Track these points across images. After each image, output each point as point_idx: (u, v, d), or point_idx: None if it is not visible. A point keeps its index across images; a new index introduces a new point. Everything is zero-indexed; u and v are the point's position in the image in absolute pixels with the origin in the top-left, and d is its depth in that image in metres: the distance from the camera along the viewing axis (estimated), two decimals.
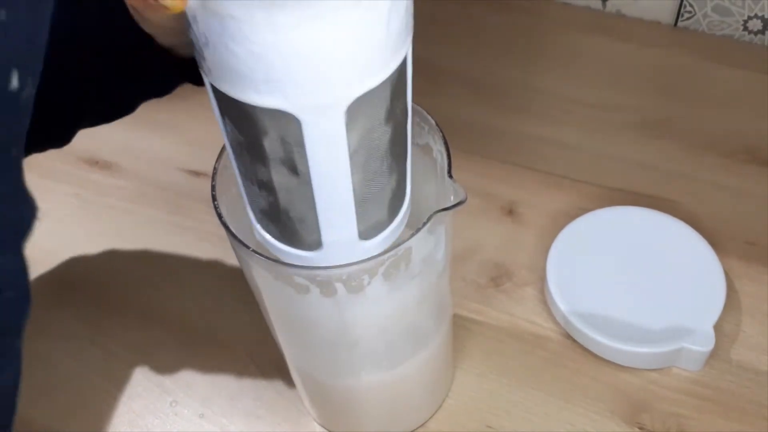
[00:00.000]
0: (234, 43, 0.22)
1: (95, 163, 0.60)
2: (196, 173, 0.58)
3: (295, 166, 0.25)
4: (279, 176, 0.26)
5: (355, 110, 0.24)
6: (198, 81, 0.34)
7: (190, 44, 0.24)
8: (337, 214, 0.27)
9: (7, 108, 0.16)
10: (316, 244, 0.29)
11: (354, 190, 0.27)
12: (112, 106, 0.38)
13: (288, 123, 0.24)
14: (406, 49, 0.25)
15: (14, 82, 0.16)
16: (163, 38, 0.32)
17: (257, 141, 0.25)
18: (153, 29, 0.32)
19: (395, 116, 0.26)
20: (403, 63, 0.25)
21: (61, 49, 0.31)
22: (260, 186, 0.27)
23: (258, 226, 0.30)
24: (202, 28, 0.23)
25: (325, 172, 0.26)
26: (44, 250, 0.54)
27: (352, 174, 0.26)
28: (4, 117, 0.16)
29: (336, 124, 0.24)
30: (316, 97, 0.23)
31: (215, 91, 0.25)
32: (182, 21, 0.23)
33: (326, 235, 0.28)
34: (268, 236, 0.30)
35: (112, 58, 0.34)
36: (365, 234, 0.29)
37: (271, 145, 0.25)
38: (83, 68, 0.34)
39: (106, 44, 0.33)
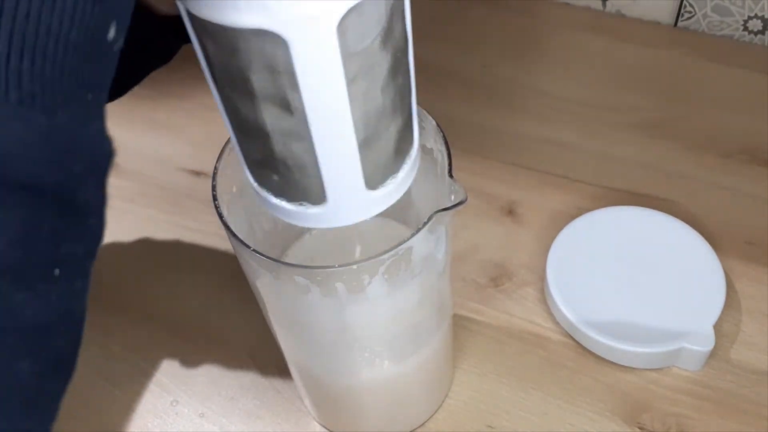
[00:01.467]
0: None
1: None
2: (197, 173, 0.58)
3: (288, 102, 0.23)
4: (271, 117, 0.24)
5: (348, 26, 0.21)
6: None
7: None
8: (339, 157, 0.25)
9: (105, 56, 0.18)
10: (320, 197, 0.26)
11: (356, 127, 0.24)
12: (118, 79, 0.38)
13: (274, 46, 0.21)
14: None
15: (112, 33, 0.18)
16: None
17: (243, 76, 0.23)
18: None
19: (395, 39, 0.24)
20: None
21: None
22: (253, 133, 0.25)
23: (256, 185, 0.28)
24: None
25: (322, 104, 0.23)
26: None
27: (352, 107, 0.24)
28: (102, 63, 0.18)
29: (328, 43, 0.21)
30: (302, 9, 0.20)
31: (192, 19, 0.22)
32: None
33: (330, 184, 0.26)
34: (267, 195, 0.28)
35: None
36: (372, 181, 0.27)
37: (258, 78, 0.23)
38: None
39: None
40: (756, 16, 0.61)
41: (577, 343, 0.46)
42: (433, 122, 0.33)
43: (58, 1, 0.16)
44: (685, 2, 0.63)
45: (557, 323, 0.47)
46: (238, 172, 0.29)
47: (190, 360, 0.48)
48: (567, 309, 0.46)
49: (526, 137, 0.58)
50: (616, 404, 0.44)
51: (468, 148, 0.57)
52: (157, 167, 0.59)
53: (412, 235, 0.29)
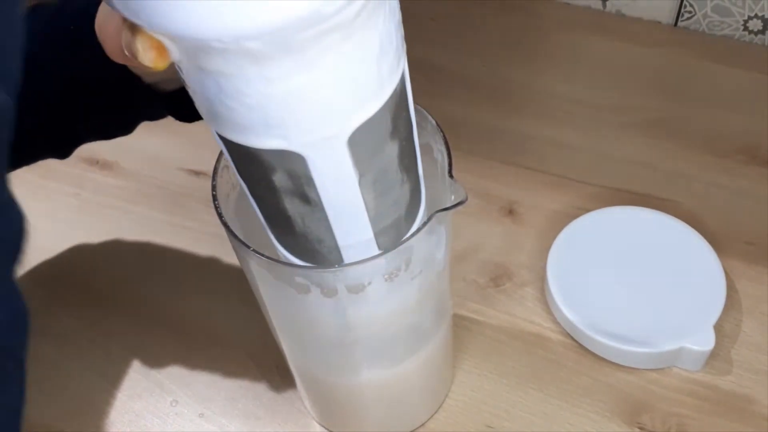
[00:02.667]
0: (228, 98, 0.22)
1: (95, 163, 0.60)
2: (197, 173, 0.58)
3: (307, 197, 0.26)
4: (292, 206, 0.27)
5: (357, 138, 0.24)
6: (182, 116, 0.37)
7: (174, 81, 0.24)
8: (354, 233, 0.28)
9: None
10: (337, 261, 0.29)
11: (368, 209, 0.27)
12: (109, 129, 0.41)
13: (293, 160, 0.24)
14: (401, 69, 0.25)
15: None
16: (148, 78, 0.36)
17: (266, 177, 0.25)
18: (139, 72, 0.35)
19: (399, 132, 0.26)
20: (401, 82, 0.25)
21: (60, 81, 0.36)
22: (276, 215, 0.28)
23: (279, 247, 0.31)
24: (192, 83, 0.23)
25: (337, 199, 0.26)
26: (44, 250, 0.54)
27: (364, 195, 0.26)
28: None
29: (340, 155, 0.24)
30: (316, 134, 0.23)
31: (220, 137, 0.25)
32: (171, 70, 0.23)
33: (346, 254, 0.29)
34: (289, 255, 0.30)
35: (106, 91, 0.37)
36: (385, 244, 0.29)
37: (280, 180, 0.25)
38: (81, 98, 0.38)
39: (100, 79, 0.36)
40: (756, 16, 0.61)
41: (577, 343, 0.46)
42: (433, 122, 0.33)
43: None
44: (685, 2, 0.63)
45: (557, 323, 0.47)
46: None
47: (189, 360, 0.48)
48: (567, 309, 0.46)
49: (527, 137, 0.58)
50: (616, 404, 0.44)
51: (468, 148, 0.57)
52: (157, 167, 0.59)
53: (412, 235, 0.29)
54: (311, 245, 0.29)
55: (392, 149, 0.26)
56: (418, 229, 0.30)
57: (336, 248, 0.28)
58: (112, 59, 0.30)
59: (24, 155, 0.41)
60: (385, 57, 0.23)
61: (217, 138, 0.25)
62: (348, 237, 0.28)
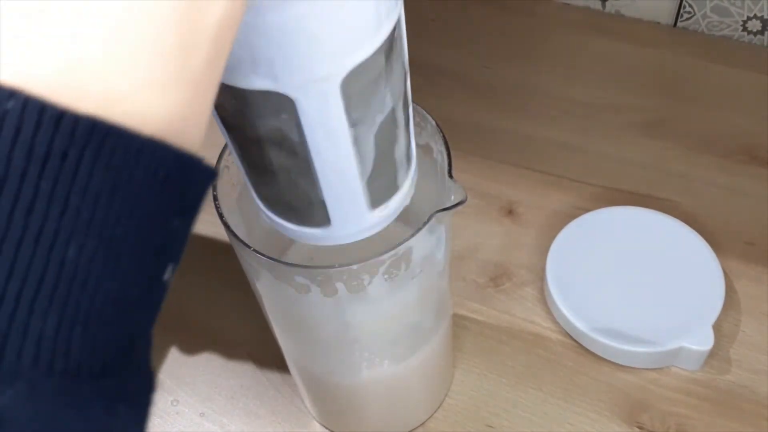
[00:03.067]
0: None
1: None
2: None
3: (294, 148, 0.24)
4: (278, 159, 0.25)
5: (351, 83, 0.22)
6: None
7: None
8: (342, 190, 0.26)
9: (159, 295, 0.18)
10: (323, 221, 0.28)
11: (358, 165, 0.25)
12: None
13: (281, 104, 0.22)
14: (399, 10, 0.23)
15: (167, 274, 0.18)
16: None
17: (252, 126, 0.24)
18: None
19: (393, 84, 0.25)
20: (397, 27, 0.24)
21: None
22: (261, 170, 0.26)
23: (263, 207, 0.29)
24: None
25: (326, 149, 0.24)
26: None
27: (355, 149, 0.25)
28: (155, 303, 0.18)
29: (332, 100, 0.23)
30: (307, 74, 0.21)
31: None
32: None
33: (334, 212, 0.27)
34: (274, 216, 0.29)
35: None
36: (375, 203, 0.28)
37: (266, 128, 0.24)
38: None
39: None
40: (755, 17, 0.61)
41: (577, 342, 0.46)
42: (433, 122, 0.33)
43: (121, 263, 0.15)
44: (684, 2, 0.63)
45: (557, 323, 0.47)
46: (238, 174, 0.29)
47: (190, 360, 0.48)
48: (566, 309, 0.46)
49: (526, 137, 0.58)
50: (616, 404, 0.44)
51: (468, 148, 0.57)
52: None
53: (412, 235, 0.29)
54: (297, 204, 0.27)
55: (386, 100, 0.25)
56: (418, 229, 0.30)
57: (323, 207, 0.27)
58: None
59: None
60: None
61: None
62: (336, 195, 0.26)
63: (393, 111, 0.26)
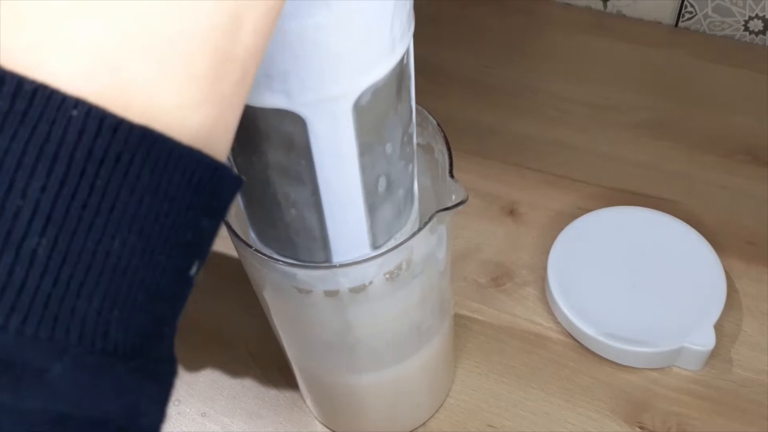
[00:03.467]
0: None
1: None
2: None
3: (300, 174, 0.24)
4: (283, 186, 0.25)
5: (364, 103, 0.23)
6: None
7: None
8: (347, 223, 0.26)
9: (186, 288, 0.20)
10: (323, 258, 0.28)
11: (365, 194, 0.25)
12: None
13: (292, 124, 0.22)
14: (410, 36, 0.24)
15: (194, 270, 0.20)
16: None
17: (258, 147, 0.24)
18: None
19: (402, 108, 0.25)
20: (407, 54, 0.24)
21: None
22: (263, 199, 0.26)
23: (259, 244, 0.29)
24: None
25: (333, 176, 0.24)
26: None
27: (362, 176, 0.25)
28: (182, 295, 0.20)
29: (344, 121, 0.23)
30: (321, 91, 0.21)
31: None
32: None
33: (336, 248, 0.27)
34: (271, 253, 0.29)
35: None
36: (377, 241, 0.28)
37: (273, 150, 0.24)
38: None
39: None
40: (757, 17, 0.61)
41: (578, 342, 0.46)
42: (434, 122, 0.33)
43: (155, 255, 0.17)
44: (686, 2, 0.63)
45: (558, 323, 0.47)
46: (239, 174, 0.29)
47: (192, 360, 0.48)
48: (568, 309, 0.45)
49: (527, 137, 0.58)
50: (617, 404, 0.44)
51: (469, 148, 0.57)
52: None
53: (413, 234, 0.29)
54: (299, 238, 0.27)
55: (395, 130, 0.25)
56: (419, 229, 0.29)
57: (325, 241, 0.27)
58: None
59: None
60: (398, 16, 0.22)
61: None
62: (340, 227, 0.26)
63: (401, 144, 0.26)
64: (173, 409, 0.46)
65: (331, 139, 0.23)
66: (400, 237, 0.29)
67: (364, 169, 0.25)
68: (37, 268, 0.16)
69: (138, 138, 0.16)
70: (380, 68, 0.22)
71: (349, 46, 0.21)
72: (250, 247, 0.30)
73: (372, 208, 0.26)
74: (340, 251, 0.27)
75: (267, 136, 0.23)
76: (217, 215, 0.19)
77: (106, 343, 0.17)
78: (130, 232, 0.17)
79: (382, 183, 0.26)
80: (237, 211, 0.33)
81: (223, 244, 0.55)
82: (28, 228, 0.15)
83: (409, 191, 0.29)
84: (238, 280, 0.41)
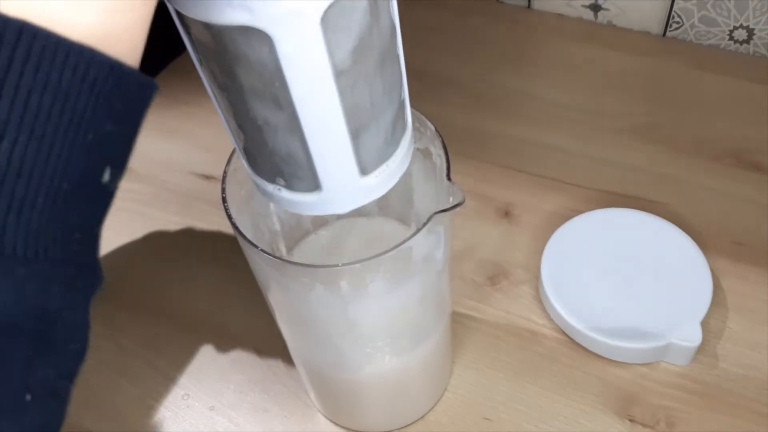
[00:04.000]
0: None
1: None
2: (207, 177, 0.59)
3: (277, 97, 0.22)
4: (262, 111, 0.23)
5: (333, 19, 0.21)
6: None
7: None
8: (330, 148, 0.24)
9: (99, 197, 0.19)
10: (314, 185, 0.26)
11: (346, 118, 0.24)
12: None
13: (259, 42, 0.21)
14: None
15: (106, 177, 0.18)
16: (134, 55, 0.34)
17: (232, 73, 0.22)
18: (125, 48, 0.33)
19: (381, 32, 0.23)
20: None
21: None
22: (246, 127, 0.25)
23: (253, 174, 0.27)
24: None
25: (310, 98, 0.22)
26: None
27: (341, 100, 0.23)
28: (95, 203, 0.19)
29: (313, 37, 0.21)
30: (284, 4, 0.20)
31: (181, 18, 0.22)
32: None
33: (323, 175, 0.25)
34: (263, 183, 0.27)
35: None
36: (366, 168, 0.26)
37: (246, 75, 0.22)
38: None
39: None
40: (741, 26, 0.61)
41: (571, 339, 0.46)
42: (432, 127, 0.33)
43: (51, 157, 0.16)
44: (673, 13, 0.63)
45: (551, 320, 0.47)
46: (246, 176, 0.29)
47: (200, 355, 0.48)
48: (561, 306, 0.46)
49: (522, 142, 0.58)
50: (608, 398, 0.44)
51: (466, 152, 0.57)
52: (170, 172, 0.59)
53: (413, 235, 0.29)
54: (285, 166, 0.25)
55: (374, 47, 0.23)
56: (418, 230, 0.30)
57: (311, 168, 0.25)
58: None
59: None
60: None
61: (181, 29, 0.22)
62: (324, 152, 0.24)
63: (381, 65, 0.24)
64: (182, 403, 0.46)
65: (302, 59, 0.21)
66: (391, 164, 0.27)
67: (343, 91, 0.23)
68: None
69: (15, 32, 0.15)
70: None
71: None
72: (256, 246, 0.30)
73: (355, 133, 0.24)
74: (327, 178, 0.25)
75: (237, 58, 0.21)
76: (124, 120, 0.18)
77: (2, 247, 0.16)
78: (19, 132, 0.15)
79: (365, 106, 0.24)
80: (241, 209, 0.33)
81: (229, 243, 0.55)
82: None
83: (399, 117, 0.26)
84: (244, 278, 0.41)
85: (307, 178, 0.25)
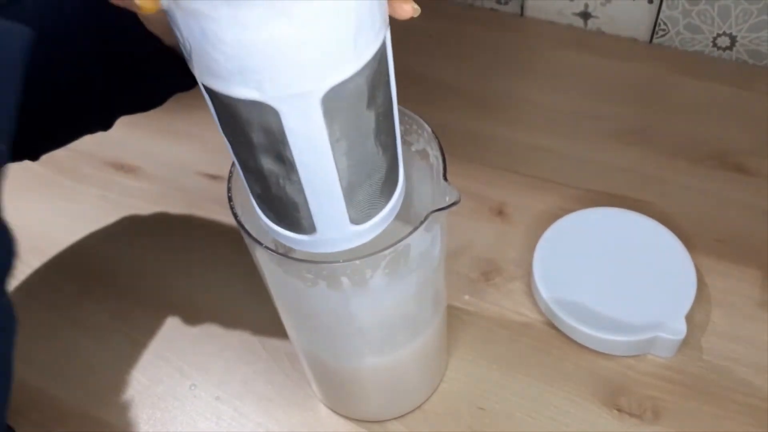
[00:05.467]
0: (206, 40, 0.21)
1: (121, 167, 0.60)
2: (213, 176, 0.58)
3: (281, 155, 0.25)
4: (268, 164, 0.25)
5: (332, 99, 0.23)
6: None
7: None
8: (325, 200, 0.26)
9: None
10: (310, 229, 0.28)
11: (340, 177, 0.26)
12: (143, 100, 0.41)
13: (268, 114, 0.23)
14: (381, 40, 0.24)
15: None
16: (168, 39, 0.35)
17: (244, 131, 0.24)
18: (156, 30, 0.34)
19: (377, 105, 0.25)
20: (381, 52, 0.24)
21: (91, 57, 0.36)
22: (253, 173, 0.27)
23: (258, 211, 0.29)
24: (179, 26, 0.22)
25: (309, 160, 0.25)
26: (74, 247, 0.54)
27: (337, 162, 0.25)
28: None
29: (313, 114, 0.23)
30: (289, 88, 0.22)
31: (202, 84, 0.24)
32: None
33: (318, 221, 0.27)
34: (267, 220, 0.29)
35: (138, 64, 0.36)
36: (357, 219, 0.28)
37: (256, 135, 0.24)
38: (116, 71, 0.37)
39: (133, 53, 0.36)
40: (724, 33, 0.61)
41: (561, 332, 0.46)
42: (429, 130, 0.33)
43: None
44: (660, 20, 0.63)
45: (543, 314, 0.47)
46: None
47: (207, 348, 0.48)
48: (552, 301, 0.46)
49: (515, 144, 0.58)
50: (596, 388, 0.44)
51: (461, 153, 0.57)
52: (177, 172, 0.59)
53: (410, 233, 0.29)
54: (285, 209, 0.27)
55: (368, 120, 0.25)
56: (416, 228, 0.30)
57: (308, 214, 0.27)
58: (113, 3, 0.30)
59: (73, 130, 0.41)
60: (362, 17, 0.22)
61: (203, 90, 0.24)
62: (319, 202, 0.27)
63: (376, 133, 0.26)
64: (189, 393, 0.46)
65: (304, 129, 0.23)
66: (380, 216, 0.29)
67: (338, 156, 0.25)
68: None
69: None
70: (345, 70, 0.23)
71: (312, 52, 0.21)
72: (261, 244, 0.30)
73: (348, 189, 0.26)
74: (322, 224, 0.28)
75: (248, 122, 0.24)
76: None
77: None
78: None
79: (357, 168, 0.26)
80: (246, 207, 0.33)
81: (235, 240, 0.55)
82: None
83: (389, 177, 0.28)
84: (249, 274, 0.41)
85: (304, 222, 0.28)
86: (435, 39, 0.68)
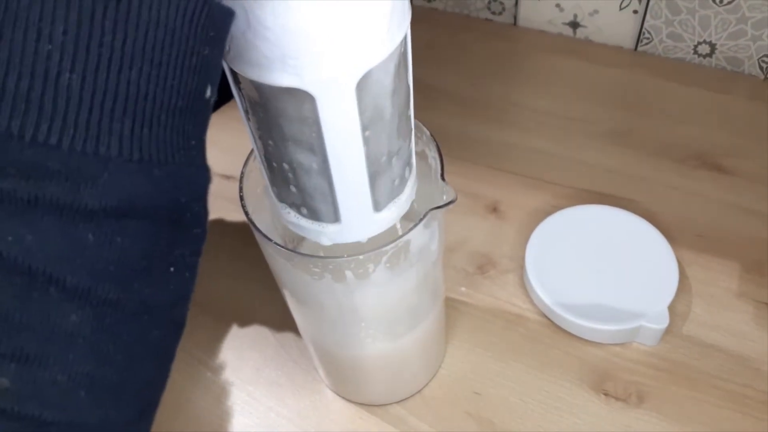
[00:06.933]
0: (253, 34, 0.21)
1: None
2: (226, 176, 0.58)
3: (312, 144, 0.24)
4: (297, 155, 0.25)
5: (364, 86, 0.23)
6: None
7: None
8: (352, 189, 0.26)
9: (203, 110, 0.20)
10: (334, 218, 0.27)
11: (367, 163, 0.25)
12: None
13: (303, 101, 0.22)
14: (406, 25, 0.23)
15: (208, 93, 0.20)
16: None
17: (275, 121, 0.24)
18: None
19: (399, 94, 0.25)
20: (404, 40, 0.24)
21: None
22: (281, 166, 0.26)
23: (279, 205, 0.29)
24: None
25: (340, 147, 0.24)
26: None
27: (365, 148, 0.25)
28: (201, 116, 0.21)
29: (347, 100, 0.22)
30: (327, 72, 0.21)
31: (233, 74, 0.23)
32: None
33: (344, 209, 0.27)
34: (290, 214, 0.29)
35: None
36: (379, 205, 0.28)
37: (288, 124, 0.23)
38: None
39: None
40: (704, 42, 0.61)
41: (552, 322, 0.46)
42: (428, 132, 0.33)
43: (168, 81, 0.18)
44: (644, 29, 0.63)
45: (534, 305, 0.47)
46: (260, 176, 0.29)
47: (222, 336, 0.48)
48: (543, 292, 0.46)
49: (509, 145, 0.58)
50: (585, 374, 0.44)
51: (458, 154, 0.57)
52: None
53: (410, 229, 0.29)
54: (310, 200, 0.27)
55: (393, 107, 0.25)
56: (415, 225, 0.30)
57: (334, 204, 0.27)
58: None
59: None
60: (395, 10, 0.22)
61: (232, 82, 0.24)
62: (346, 191, 0.26)
63: (399, 121, 0.25)
64: (205, 379, 0.46)
65: (337, 115, 0.23)
66: (399, 201, 0.29)
67: (367, 141, 0.24)
68: (74, 99, 0.16)
69: None
70: (378, 54, 0.22)
71: (351, 33, 0.21)
72: (270, 240, 0.30)
73: (374, 176, 0.26)
74: (347, 212, 0.27)
75: (283, 112, 0.23)
76: (216, 44, 0.19)
77: (141, 154, 0.18)
78: (143, 62, 0.17)
79: (383, 155, 0.26)
80: (257, 206, 0.33)
81: (246, 237, 0.55)
82: (60, 66, 0.16)
83: (407, 163, 0.28)
84: (259, 267, 0.41)
85: (328, 212, 0.27)
86: (433, 48, 0.68)
